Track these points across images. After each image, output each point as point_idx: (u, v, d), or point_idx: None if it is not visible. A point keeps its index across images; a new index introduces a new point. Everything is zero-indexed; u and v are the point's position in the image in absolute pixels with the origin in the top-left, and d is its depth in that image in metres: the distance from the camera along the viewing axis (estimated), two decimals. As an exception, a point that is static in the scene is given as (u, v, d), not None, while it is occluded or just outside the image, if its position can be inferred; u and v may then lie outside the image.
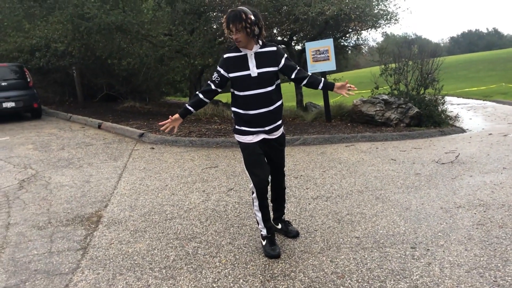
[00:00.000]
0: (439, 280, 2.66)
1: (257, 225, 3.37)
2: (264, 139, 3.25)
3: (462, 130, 9.63)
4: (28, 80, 11.91)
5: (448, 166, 5.39)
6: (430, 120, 9.58)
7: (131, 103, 13.53)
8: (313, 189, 4.74)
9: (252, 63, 3.10)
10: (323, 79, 3.30)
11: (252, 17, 2.99)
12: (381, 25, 12.09)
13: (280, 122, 3.32)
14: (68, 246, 3.60)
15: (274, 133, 3.28)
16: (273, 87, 3.20)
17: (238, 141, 3.30)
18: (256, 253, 3.26)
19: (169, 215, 4.18)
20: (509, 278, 2.63)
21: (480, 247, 3.06)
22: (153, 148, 7.42)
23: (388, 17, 11.72)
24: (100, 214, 4.32)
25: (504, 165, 5.20)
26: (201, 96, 3.27)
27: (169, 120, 3.26)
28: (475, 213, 3.70)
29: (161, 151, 7.22)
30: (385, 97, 9.58)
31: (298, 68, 3.26)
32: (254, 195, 3.22)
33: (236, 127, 3.28)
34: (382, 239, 3.34)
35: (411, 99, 9.79)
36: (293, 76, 3.26)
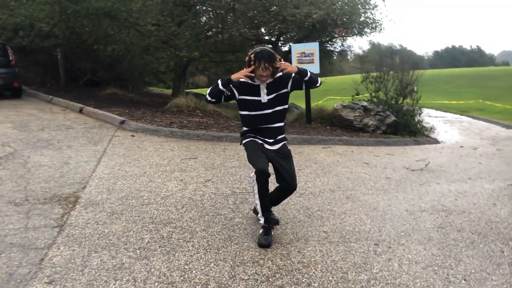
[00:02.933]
0: (397, 275, 2.86)
1: (256, 214, 3.62)
2: (267, 148, 3.51)
3: (436, 141, 9.97)
4: (10, 58, 11.74)
5: (417, 173, 5.64)
6: (406, 129, 9.89)
7: (113, 90, 13.48)
8: (287, 185, 4.90)
9: (263, 91, 3.45)
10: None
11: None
12: (367, 33, 12.36)
13: (281, 136, 3.58)
14: (44, 223, 3.67)
15: (276, 146, 3.54)
16: (283, 106, 3.53)
17: (243, 144, 3.58)
18: (228, 240, 3.41)
19: (146, 201, 4.28)
20: (460, 276, 2.85)
21: (437, 248, 3.27)
22: (133, 136, 7.47)
23: (374, 25, 11.99)
24: (78, 195, 4.39)
25: (470, 176, 5.47)
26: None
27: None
28: (437, 217, 3.93)
29: (141, 139, 7.28)
30: (365, 103, 9.85)
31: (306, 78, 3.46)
32: (255, 181, 3.40)
33: (242, 137, 3.62)
34: (348, 234, 3.53)
35: (389, 108, 10.08)
36: (304, 87, 3.55)
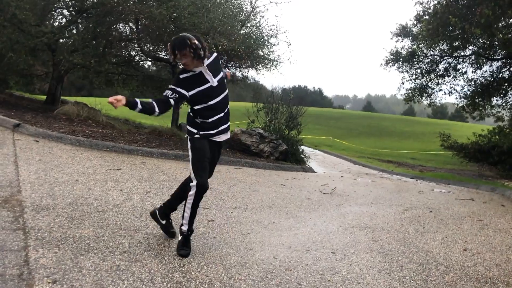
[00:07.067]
0: (362, 276, 3.42)
1: (181, 220, 3.56)
2: (216, 142, 3.55)
3: (313, 171, 11.17)
4: None
5: (329, 196, 6.44)
6: (293, 157, 10.92)
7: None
8: (228, 200, 5.22)
9: (209, 75, 3.41)
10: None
11: (196, 42, 3.23)
12: (258, 68, 13.29)
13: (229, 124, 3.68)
14: (1, 226, 3.41)
15: (227, 133, 3.67)
16: (227, 90, 3.61)
17: (192, 140, 3.49)
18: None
19: (99, 208, 4.19)
20: (408, 277, 3.53)
21: (381, 256, 3.94)
22: (37, 141, 6.95)
23: (267, 63, 12.99)
24: (19, 199, 4.08)
25: (371, 200, 6.46)
26: (155, 104, 3.30)
27: (116, 98, 3.10)
28: (367, 233, 4.66)
29: (48, 145, 6.82)
30: (261, 131, 10.63)
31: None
32: (193, 192, 3.40)
33: (196, 136, 3.49)
34: (307, 245, 4.01)
35: (281, 137, 11.04)
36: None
